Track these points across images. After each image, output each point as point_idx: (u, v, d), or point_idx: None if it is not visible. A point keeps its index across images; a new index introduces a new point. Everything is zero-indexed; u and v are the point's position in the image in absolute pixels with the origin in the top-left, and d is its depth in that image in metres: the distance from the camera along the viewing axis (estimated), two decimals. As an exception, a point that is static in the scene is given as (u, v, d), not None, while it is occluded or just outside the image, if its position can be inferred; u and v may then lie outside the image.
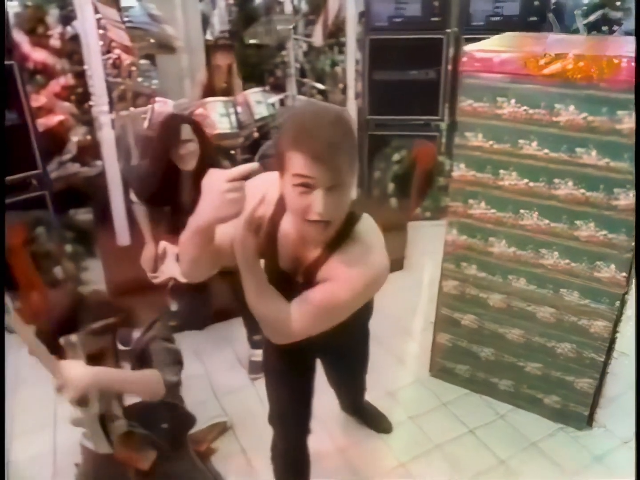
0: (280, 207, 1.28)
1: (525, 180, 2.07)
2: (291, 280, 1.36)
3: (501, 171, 2.10)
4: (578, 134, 1.92)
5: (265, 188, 1.28)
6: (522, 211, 2.12)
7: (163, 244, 2.55)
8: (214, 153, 2.52)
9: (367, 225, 1.30)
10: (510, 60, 1.97)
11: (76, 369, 1.34)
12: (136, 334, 1.65)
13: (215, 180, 1.07)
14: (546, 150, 2.00)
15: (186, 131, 2.30)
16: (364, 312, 1.66)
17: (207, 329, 2.97)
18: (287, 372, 1.67)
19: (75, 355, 1.43)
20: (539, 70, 1.91)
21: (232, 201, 1.05)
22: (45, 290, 3.17)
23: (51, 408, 2.39)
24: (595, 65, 1.82)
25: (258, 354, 2.55)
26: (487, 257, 2.25)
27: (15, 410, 2.37)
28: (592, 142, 1.90)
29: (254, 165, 1.11)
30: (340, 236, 1.25)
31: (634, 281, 2.04)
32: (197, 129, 2.38)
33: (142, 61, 4.01)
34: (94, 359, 1.48)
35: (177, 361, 1.64)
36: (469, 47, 2.06)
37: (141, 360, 1.60)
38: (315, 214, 1.10)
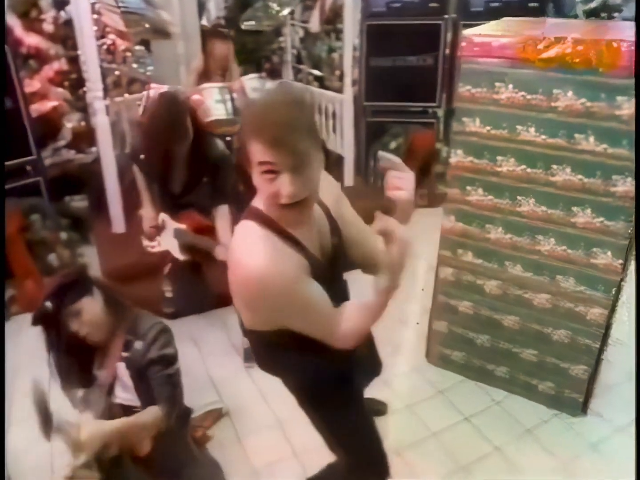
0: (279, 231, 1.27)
1: (523, 167, 2.05)
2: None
3: (499, 157, 2.09)
4: (576, 120, 1.90)
5: None
6: (519, 198, 2.10)
7: (163, 215, 2.56)
8: (205, 139, 2.54)
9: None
10: (509, 45, 1.95)
11: (87, 433, 1.50)
12: (139, 344, 1.73)
13: None
14: (544, 136, 1.98)
15: (187, 121, 2.36)
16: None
17: (205, 315, 2.97)
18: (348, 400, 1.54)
19: None
20: (537, 54, 1.89)
21: None
22: (40, 277, 3.15)
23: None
24: (594, 49, 1.80)
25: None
26: (483, 243, 2.24)
27: (14, 397, 2.37)
28: (590, 128, 1.89)
29: None
30: None
31: (632, 268, 2.04)
32: (191, 113, 2.43)
33: (137, 47, 3.97)
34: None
35: (174, 388, 1.76)
36: (467, 32, 2.04)
37: (140, 378, 1.72)
38: (285, 197, 1.09)
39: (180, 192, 2.56)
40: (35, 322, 1.71)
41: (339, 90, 4.19)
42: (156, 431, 1.69)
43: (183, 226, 2.52)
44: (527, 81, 1.95)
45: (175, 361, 1.78)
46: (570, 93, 1.89)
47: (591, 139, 1.90)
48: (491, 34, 2.03)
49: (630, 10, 4.34)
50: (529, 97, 1.96)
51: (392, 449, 2.17)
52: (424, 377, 2.57)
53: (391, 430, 2.29)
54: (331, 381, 1.43)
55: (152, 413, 1.67)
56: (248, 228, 1.22)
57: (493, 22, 2.30)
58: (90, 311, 1.69)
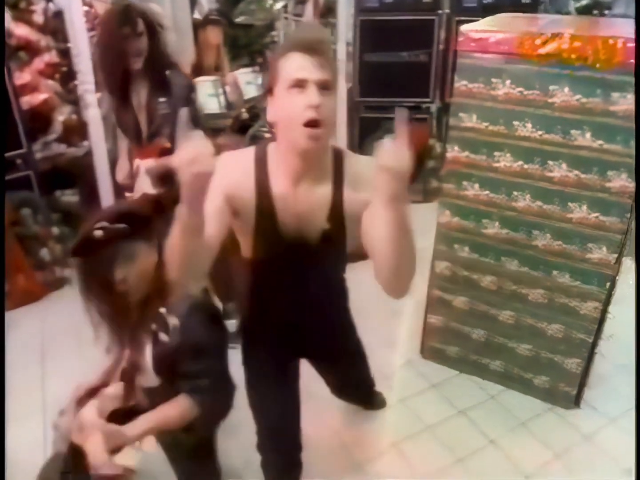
0: (262, 169, 1.26)
1: (520, 162, 2.06)
2: (302, 247, 1.30)
3: (495, 153, 2.10)
4: (572, 116, 1.92)
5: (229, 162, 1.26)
6: (515, 193, 2.12)
7: (137, 161, 2.46)
8: (164, 48, 2.36)
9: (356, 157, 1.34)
10: (506, 41, 1.96)
11: (126, 432, 1.39)
12: (173, 320, 1.45)
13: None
14: (540, 132, 1.99)
15: (140, 24, 2.20)
16: (339, 296, 1.62)
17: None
18: (272, 379, 1.58)
19: None
20: (534, 50, 1.90)
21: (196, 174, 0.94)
22: (32, 273, 3.12)
23: (40, 394, 2.38)
24: (591, 45, 1.81)
25: (231, 324, 2.55)
26: (479, 238, 2.25)
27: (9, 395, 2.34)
28: (586, 124, 1.90)
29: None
30: (337, 165, 1.28)
31: (630, 266, 2.06)
32: (148, 22, 2.25)
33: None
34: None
35: (206, 378, 1.50)
36: (464, 27, 2.04)
37: (164, 361, 1.49)
38: (311, 108, 1.12)
39: (146, 121, 2.40)
40: (76, 251, 1.37)
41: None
42: (185, 423, 1.47)
43: (151, 161, 2.37)
44: (524, 77, 1.96)
45: (213, 351, 1.51)
46: (566, 89, 1.91)
47: (587, 134, 1.91)
48: (488, 29, 2.03)
49: (619, 7, 4.38)
50: (525, 92, 1.97)
51: (387, 441, 2.21)
52: (418, 371, 2.58)
53: (386, 423, 2.31)
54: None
55: (181, 404, 1.46)
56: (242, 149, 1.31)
57: (489, 18, 2.30)
58: (144, 260, 1.38)
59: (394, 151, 1.00)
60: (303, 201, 1.27)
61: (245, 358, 1.62)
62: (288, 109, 1.15)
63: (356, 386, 2.04)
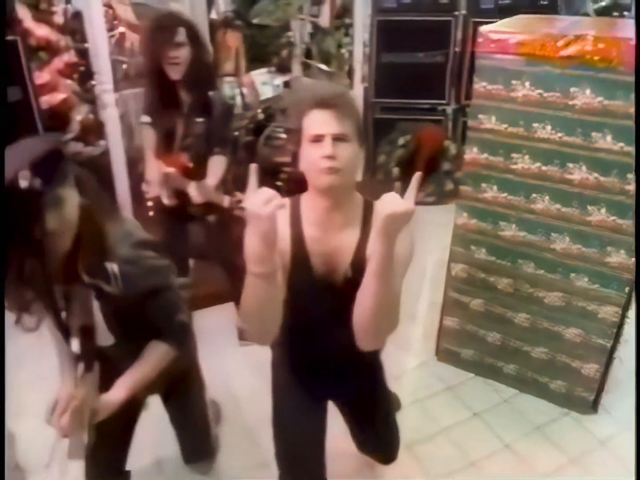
0: (296, 217, 1.39)
1: (538, 164, 2.05)
2: (330, 289, 1.39)
3: (514, 155, 2.09)
4: (594, 118, 1.90)
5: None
6: (534, 195, 2.10)
7: (160, 164, 2.35)
8: (207, 63, 2.35)
9: None
10: (526, 42, 1.95)
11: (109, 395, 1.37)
12: (110, 266, 1.30)
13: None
14: (560, 134, 1.98)
15: (181, 34, 2.16)
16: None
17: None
18: (298, 411, 1.61)
19: None
20: (556, 51, 1.88)
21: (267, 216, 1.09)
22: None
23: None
24: (615, 47, 1.80)
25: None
26: (497, 240, 2.24)
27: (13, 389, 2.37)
28: (607, 126, 1.89)
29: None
30: (366, 216, 1.36)
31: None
32: (193, 34, 2.22)
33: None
34: None
35: (173, 314, 1.46)
36: (484, 28, 2.03)
37: (115, 311, 1.37)
38: (325, 158, 1.25)
39: (182, 134, 2.36)
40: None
41: (348, 86, 4.17)
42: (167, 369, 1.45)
43: (172, 169, 2.32)
44: (544, 79, 1.95)
45: (166, 283, 1.44)
46: (587, 91, 1.89)
47: (608, 137, 1.90)
48: (508, 30, 2.02)
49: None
50: (545, 94, 1.96)
51: (402, 443, 2.20)
52: (433, 373, 2.58)
53: (401, 425, 2.30)
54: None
55: (158, 351, 1.44)
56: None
57: (508, 19, 2.29)
58: (70, 204, 1.23)
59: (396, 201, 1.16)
60: (332, 245, 1.37)
61: (275, 384, 1.67)
62: (310, 159, 1.29)
63: (379, 438, 1.84)
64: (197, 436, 1.90)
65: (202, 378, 1.87)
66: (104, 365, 1.40)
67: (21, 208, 1.13)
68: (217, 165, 2.35)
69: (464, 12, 3.87)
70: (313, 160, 1.28)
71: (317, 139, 1.27)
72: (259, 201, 1.09)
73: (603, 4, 4.34)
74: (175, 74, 2.18)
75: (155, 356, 1.45)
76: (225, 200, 2.38)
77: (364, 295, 1.26)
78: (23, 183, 1.12)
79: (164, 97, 2.27)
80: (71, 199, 1.23)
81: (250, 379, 2.51)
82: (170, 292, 1.46)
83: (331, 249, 1.37)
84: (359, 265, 1.33)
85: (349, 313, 1.37)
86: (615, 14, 4.17)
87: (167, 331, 1.45)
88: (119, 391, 1.39)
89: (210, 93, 2.29)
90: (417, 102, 4.09)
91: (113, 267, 1.30)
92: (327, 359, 1.52)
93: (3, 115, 2.56)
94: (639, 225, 1.84)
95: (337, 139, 1.27)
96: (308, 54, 4.64)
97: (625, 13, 4.34)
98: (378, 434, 1.79)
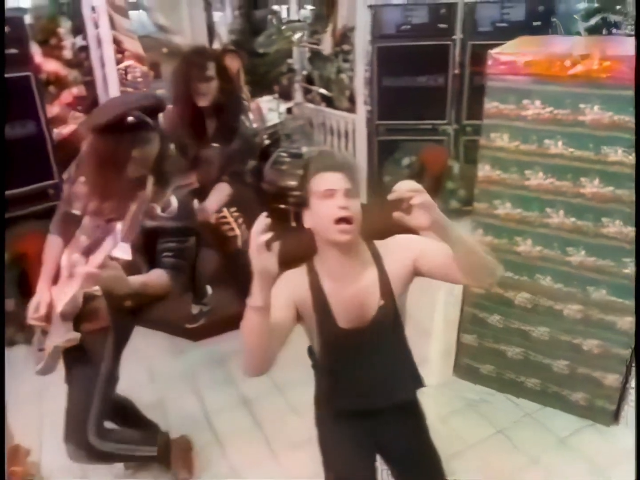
0: (313, 276, 1.44)
1: (551, 179, 2.10)
2: (360, 333, 1.44)
3: (527, 171, 2.14)
4: (604, 133, 1.96)
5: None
6: (547, 210, 2.15)
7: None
8: (232, 94, 2.48)
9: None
10: (535, 62, 2.01)
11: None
12: (174, 200, 1.67)
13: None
14: (572, 149, 2.03)
15: (211, 69, 2.29)
16: (408, 378, 1.59)
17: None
18: (351, 459, 1.55)
19: None
20: (564, 70, 1.95)
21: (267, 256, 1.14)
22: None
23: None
24: (620, 65, 1.86)
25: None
26: (513, 256, 2.27)
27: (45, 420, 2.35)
28: (618, 141, 1.94)
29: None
30: (375, 253, 1.45)
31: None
32: (221, 68, 2.37)
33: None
34: None
35: (182, 260, 1.72)
36: (493, 51, 2.10)
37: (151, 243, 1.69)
38: (341, 209, 1.32)
39: (193, 153, 2.47)
40: (101, 128, 1.60)
41: (350, 110, 4.26)
42: (159, 298, 1.70)
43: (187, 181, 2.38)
44: (554, 97, 2.01)
45: (190, 235, 1.76)
46: (596, 107, 1.95)
47: (619, 151, 1.95)
48: (515, 52, 2.09)
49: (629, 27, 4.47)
50: (555, 112, 2.02)
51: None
52: (453, 390, 2.58)
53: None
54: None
55: (159, 276, 1.67)
56: None
57: (513, 42, 2.36)
58: (154, 144, 1.67)
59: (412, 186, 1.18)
60: (353, 292, 1.42)
61: (319, 421, 1.63)
62: (322, 212, 1.35)
63: None
64: None
65: None
66: None
67: (120, 133, 1.57)
68: (221, 192, 2.43)
69: (461, 35, 3.97)
70: (326, 213, 1.34)
71: (329, 193, 1.34)
72: (253, 232, 1.13)
73: (592, 23, 4.46)
74: (203, 102, 2.30)
75: (158, 277, 1.67)
76: (212, 217, 2.46)
77: (454, 246, 1.25)
78: (130, 118, 1.57)
79: (191, 122, 2.36)
80: (154, 142, 1.67)
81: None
82: (187, 242, 1.75)
83: (353, 295, 1.42)
84: (388, 293, 1.43)
85: (380, 355, 1.48)
86: (605, 32, 4.29)
87: (172, 266, 1.70)
88: (134, 279, 1.58)
89: (235, 124, 2.38)
90: (419, 123, 4.17)
91: (172, 198, 1.67)
92: (367, 402, 1.53)
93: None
94: (638, 228, 1.89)
95: (347, 194, 1.35)
96: (309, 80, 4.74)
97: (614, 30, 4.47)
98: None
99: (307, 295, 1.43)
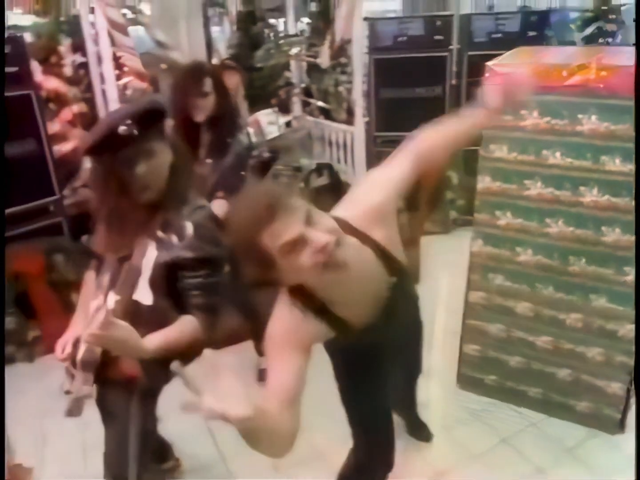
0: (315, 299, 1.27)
1: (551, 189, 2.11)
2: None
3: (526, 181, 2.15)
4: (602, 142, 1.98)
5: None
6: (547, 220, 2.16)
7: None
8: (228, 109, 2.46)
9: None
10: (532, 73, 2.03)
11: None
12: (188, 225, 1.42)
13: None
14: (570, 159, 2.05)
15: (207, 84, 2.30)
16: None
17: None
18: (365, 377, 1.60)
19: None
20: (562, 81, 1.97)
21: None
22: (65, 317, 3.15)
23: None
24: (617, 75, 1.88)
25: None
26: (513, 266, 2.28)
27: (49, 438, 2.34)
28: (616, 150, 1.96)
29: None
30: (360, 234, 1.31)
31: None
32: (217, 83, 2.37)
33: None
34: None
35: (210, 296, 1.45)
36: (491, 63, 2.12)
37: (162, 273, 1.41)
38: (317, 254, 1.08)
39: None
40: (97, 148, 1.36)
41: (348, 122, 4.28)
42: (191, 349, 1.34)
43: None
44: (552, 107, 2.03)
45: (218, 265, 1.45)
46: (594, 117, 1.97)
47: (617, 160, 1.97)
48: (512, 63, 2.11)
49: (624, 36, 4.51)
50: (553, 122, 2.04)
51: (436, 471, 2.19)
52: (456, 401, 2.58)
53: (430, 453, 2.29)
54: (367, 358, 1.56)
55: (186, 325, 1.39)
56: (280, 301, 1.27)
57: (510, 52, 2.38)
58: (162, 157, 1.40)
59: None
60: (359, 288, 1.27)
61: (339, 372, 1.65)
62: (296, 265, 1.12)
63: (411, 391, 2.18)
64: None
65: None
66: (134, 322, 1.32)
67: (115, 150, 1.33)
68: (218, 209, 2.41)
69: (458, 46, 4.01)
70: (302, 263, 1.09)
71: (290, 246, 1.08)
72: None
73: (588, 33, 4.51)
74: (199, 116, 2.31)
75: (185, 328, 1.41)
76: None
77: None
78: (121, 129, 1.31)
79: (186, 136, 2.36)
80: (163, 155, 1.41)
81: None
82: (215, 275, 1.46)
83: (362, 292, 1.30)
84: (395, 267, 1.37)
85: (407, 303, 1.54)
86: (601, 41, 4.33)
87: (200, 308, 1.43)
88: (150, 341, 1.34)
89: (229, 140, 2.39)
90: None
91: (188, 225, 1.41)
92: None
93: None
94: (638, 229, 1.89)
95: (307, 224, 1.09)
96: (306, 92, 4.77)
97: (609, 40, 4.51)
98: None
99: (319, 329, 1.27)
